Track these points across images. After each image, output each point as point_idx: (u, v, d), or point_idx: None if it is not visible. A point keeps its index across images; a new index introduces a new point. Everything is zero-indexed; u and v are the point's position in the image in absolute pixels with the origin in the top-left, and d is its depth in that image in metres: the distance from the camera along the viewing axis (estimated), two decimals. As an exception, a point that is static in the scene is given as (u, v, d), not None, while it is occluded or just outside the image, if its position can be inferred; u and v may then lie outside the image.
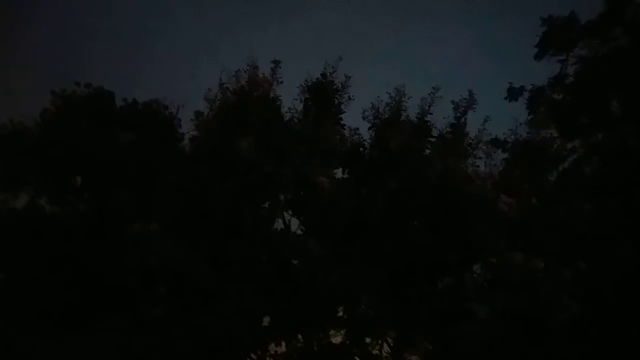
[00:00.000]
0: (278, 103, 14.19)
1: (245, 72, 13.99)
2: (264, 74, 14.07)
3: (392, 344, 12.83)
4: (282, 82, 14.24)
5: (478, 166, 13.18)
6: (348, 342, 12.78)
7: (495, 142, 14.44)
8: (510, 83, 16.80)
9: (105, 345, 11.40)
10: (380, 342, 12.85)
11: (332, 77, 14.03)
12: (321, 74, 14.06)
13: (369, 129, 13.98)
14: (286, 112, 14.17)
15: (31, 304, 12.08)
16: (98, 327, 11.70)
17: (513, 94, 17.77)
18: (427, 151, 13.63)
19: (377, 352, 12.82)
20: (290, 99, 14.14)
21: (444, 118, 13.59)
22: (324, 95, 13.99)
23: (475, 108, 13.70)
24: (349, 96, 14.23)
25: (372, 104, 13.94)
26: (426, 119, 13.80)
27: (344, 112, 14.27)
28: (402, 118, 13.87)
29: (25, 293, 12.33)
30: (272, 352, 12.83)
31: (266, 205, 13.52)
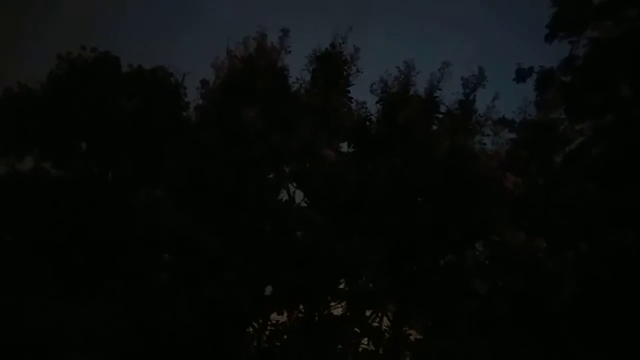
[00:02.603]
0: (285, 73, 13.94)
1: (253, 39, 13.68)
2: (272, 42, 13.77)
3: (391, 318, 12.99)
4: (290, 51, 13.96)
5: (485, 144, 13.11)
6: (348, 314, 12.93)
7: (503, 122, 14.34)
8: (518, 64, 16.56)
9: (108, 309, 11.51)
10: (380, 315, 13.00)
11: (341, 48, 13.76)
12: (330, 44, 13.77)
13: (377, 102, 13.80)
14: (294, 82, 13.97)
15: (36, 267, 12.13)
16: (101, 291, 11.79)
17: (521, 75, 17.60)
18: (435, 127, 13.50)
19: (377, 324, 12.98)
20: (298, 68, 13.89)
21: (452, 94, 13.42)
22: (332, 67, 13.73)
23: (484, 85, 13.50)
24: (357, 69, 13.99)
25: (380, 77, 13.72)
26: (435, 94, 13.61)
27: (352, 84, 14.05)
28: (411, 93, 13.67)
29: (30, 256, 12.38)
30: (274, 322, 12.98)
31: (271, 175, 13.44)
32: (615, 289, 12.02)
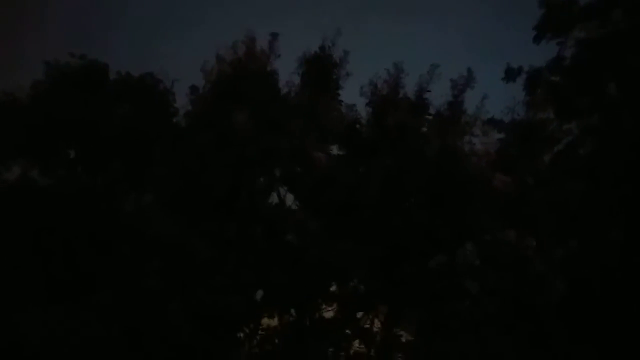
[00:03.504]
0: (275, 76, 13.96)
1: (242, 44, 13.70)
2: (261, 47, 13.80)
3: (383, 319, 12.99)
4: (279, 55, 14.00)
5: (475, 144, 13.18)
6: (340, 316, 12.92)
7: (492, 122, 14.42)
8: (507, 63, 16.64)
9: (98, 316, 11.42)
10: (371, 317, 13.00)
11: (330, 51, 13.80)
12: (319, 47, 13.82)
13: (367, 105, 13.86)
14: (283, 85, 13.99)
15: (25, 276, 12.01)
16: (92, 299, 11.69)
17: (511, 74, 17.67)
18: (425, 129, 13.56)
19: (368, 326, 12.98)
20: (287, 71, 13.93)
21: (441, 96, 13.51)
22: (321, 70, 13.77)
23: (473, 86, 13.60)
24: (346, 72, 14.05)
25: (370, 80, 13.79)
26: (424, 96, 13.68)
27: (342, 87, 14.11)
28: (400, 95, 13.74)
29: (18, 265, 12.24)
30: (265, 326, 12.93)
31: (261, 179, 13.43)
32: (604, 286, 12.08)
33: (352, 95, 14.05)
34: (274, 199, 13.50)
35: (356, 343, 12.84)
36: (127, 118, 14.14)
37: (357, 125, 13.90)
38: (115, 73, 14.68)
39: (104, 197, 13.34)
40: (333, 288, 12.99)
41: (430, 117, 13.59)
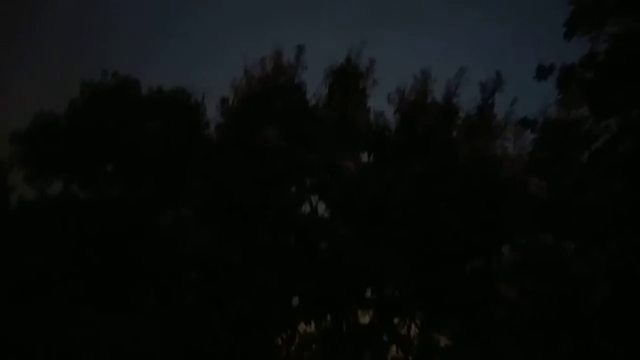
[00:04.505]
0: (303, 89, 14.28)
1: (270, 59, 14.09)
2: (288, 60, 14.15)
3: (420, 325, 12.95)
4: (306, 67, 14.31)
5: (507, 148, 13.00)
6: (376, 322, 12.97)
7: (524, 122, 14.15)
8: (539, 62, 16.29)
9: (143, 328, 11.84)
10: (408, 322, 12.98)
11: (357, 62, 14.00)
12: (345, 59, 14.04)
13: (395, 112, 13.94)
14: (311, 97, 14.28)
15: (69, 287, 12.56)
16: (135, 311, 12.14)
17: (543, 72, 17.29)
18: (454, 133, 13.51)
19: (405, 332, 12.96)
20: (315, 81, 14.18)
21: (470, 100, 13.41)
22: (348, 80, 13.98)
23: (502, 89, 13.45)
24: (373, 80, 14.20)
25: (397, 87, 13.88)
26: (453, 100, 13.64)
27: (369, 95, 14.27)
28: (428, 100, 13.75)
29: (62, 277, 12.80)
30: (302, 332, 13.14)
31: (293, 189, 13.72)
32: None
33: (380, 102, 14.19)
34: (306, 208, 13.77)
35: (393, 349, 12.84)
36: (161, 132, 14.55)
37: (386, 132, 14.00)
38: (147, 88, 15.13)
39: (141, 210, 13.79)
40: (369, 294, 13.06)
41: (460, 122, 13.53)
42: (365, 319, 13.15)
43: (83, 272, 12.94)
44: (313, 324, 13.07)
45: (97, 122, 14.57)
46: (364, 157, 14.05)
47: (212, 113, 14.69)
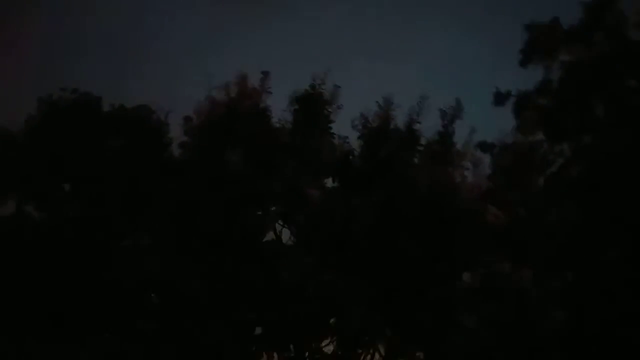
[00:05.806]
0: (268, 114, 14.19)
1: (234, 84, 13.94)
2: (253, 85, 14.04)
3: (383, 354, 12.95)
4: (271, 92, 14.23)
5: (466, 176, 13.29)
6: (339, 352, 12.89)
7: (483, 146, 14.57)
8: (496, 88, 16.91)
9: (95, 356, 11.40)
10: (372, 351, 12.96)
11: (321, 89, 14.04)
12: (310, 85, 14.06)
13: (358, 138, 14.03)
14: (275, 122, 14.19)
15: (19, 313, 11.97)
16: (88, 339, 11.68)
17: (500, 98, 17.92)
18: (416, 160, 13.70)
19: (369, 361, 12.94)
20: (281, 103, 14.09)
21: (431, 128, 13.66)
22: (313, 107, 13.99)
23: (462, 116, 13.78)
24: (337, 105, 14.27)
25: (361, 113, 13.99)
26: (414, 127, 13.86)
27: (333, 121, 14.30)
28: (391, 127, 13.92)
29: (12, 301, 12.19)
30: (264, 363, 12.92)
31: (257, 215, 13.55)
32: (605, 311, 12.02)
33: (345, 127, 14.27)
34: (269, 235, 13.60)
35: (357, 378, 12.77)
36: (122, 151, 14.07)
37: (350, 157, 14.07)
38: (109, 105, 14.62)
39: (99, 232, 13.29)
40: (332, 323, 12.97)
41: (422, 148, 13.74)
42: (329, 348, 13.05)
43: (35, 297, 12.35)
44: (276, 355, 12.87)
45: (54, 140, 14.01)
46: (329, 182, 14.05)
47: (175, 132, 14.39)
